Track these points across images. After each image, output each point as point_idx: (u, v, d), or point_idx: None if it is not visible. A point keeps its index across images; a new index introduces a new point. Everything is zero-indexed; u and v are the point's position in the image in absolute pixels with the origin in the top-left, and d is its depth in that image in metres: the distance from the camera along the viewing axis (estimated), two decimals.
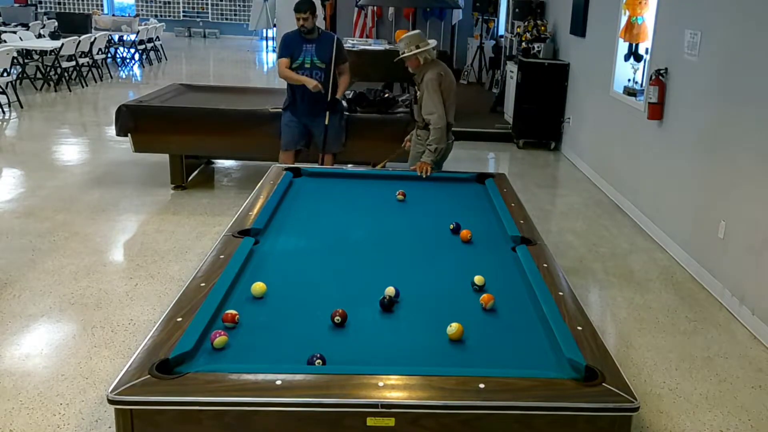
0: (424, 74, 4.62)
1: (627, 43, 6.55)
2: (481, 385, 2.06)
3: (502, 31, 12.23)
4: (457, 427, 2.04)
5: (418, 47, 4.55)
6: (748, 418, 3.38)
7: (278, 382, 2.06)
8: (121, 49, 15.12)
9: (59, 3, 21.19)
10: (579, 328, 2.45)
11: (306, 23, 5.47)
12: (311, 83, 5.44)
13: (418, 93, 4.72)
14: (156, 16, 20.93)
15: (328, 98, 5.54)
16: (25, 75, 11.09)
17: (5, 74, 9.71)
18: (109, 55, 14.19)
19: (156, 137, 6.15)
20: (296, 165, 4.75)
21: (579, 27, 7.92)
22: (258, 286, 2.70)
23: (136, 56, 15.12)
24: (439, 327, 2.46)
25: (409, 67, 4.71)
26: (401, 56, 4.60)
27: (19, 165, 7.14)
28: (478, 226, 3.53)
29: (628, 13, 6.45)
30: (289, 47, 5.57)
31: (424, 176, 4.45)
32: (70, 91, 11.29)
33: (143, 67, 14.78)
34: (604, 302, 4.57)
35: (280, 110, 5.81)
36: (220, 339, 2.30)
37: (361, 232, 3.50)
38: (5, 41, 11.14)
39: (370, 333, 2.48)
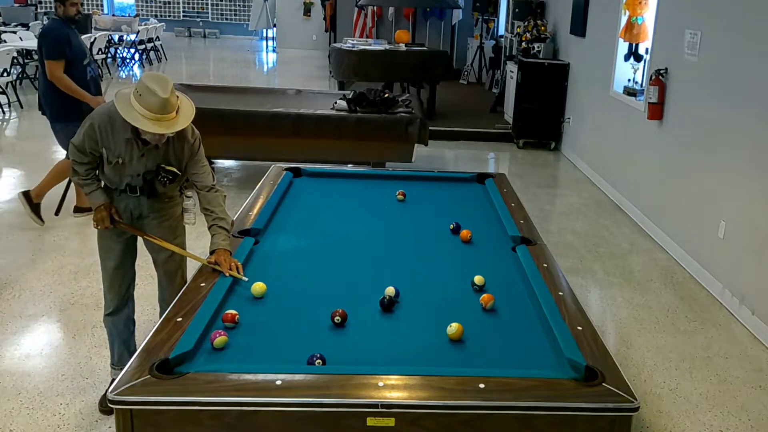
0: (184, 132, 2.95)
1: (627, 43, 6.55)
2: (481, 385, 2.06)
3: (502, 31, 12.22)
4: (457, 427, 2.04)
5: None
6: (748, 418, 3.38)
7: (278, 382, 2.06)
8: (121, 49, 15.11)
9: None
10: (579, 328, 2.45)
11: None
12: None
13: (160, 153, 2.96)
14: (156, 16, 20.90)
15: None
16: (25, 75, 11.07)
17: (5, 74, 9.72)
18: (109, 55, 14.18)
19: None
20: (296, 165, 4.75)
21: (579, 27, 7.92)
22: (258, 286, 2.70)
23: (136, 56, 15.12)
24: (439, 327, 2.45)
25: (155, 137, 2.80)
26: (172, 130, 2.78)
27: (19, 165, 7.13)
28: (478, 226, 3.53)
29: (628, 13, 6.45)
30: None
31: (239, 275, 2.79)
32: None
33: (143, 67, 14.76)
34: (604, 302, 4.57)
35: None
36: (220, 339, 2.30)
37: (361, 232, 3.49)
38: (5, 41, 11.13)
39: (370, 333, 2.48)
